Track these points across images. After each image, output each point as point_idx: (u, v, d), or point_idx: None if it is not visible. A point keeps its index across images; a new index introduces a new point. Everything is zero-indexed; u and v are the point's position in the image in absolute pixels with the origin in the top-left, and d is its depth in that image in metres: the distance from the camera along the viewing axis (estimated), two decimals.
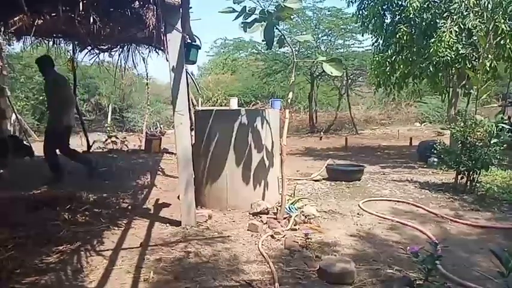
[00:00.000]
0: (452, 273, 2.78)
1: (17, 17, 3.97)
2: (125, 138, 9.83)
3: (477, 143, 5.16)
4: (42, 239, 3.51)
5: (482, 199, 4.98)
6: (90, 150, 8.94)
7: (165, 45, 3.80)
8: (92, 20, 3.66)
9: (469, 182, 5.38)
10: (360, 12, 9.16)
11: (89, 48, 6.46)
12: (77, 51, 6.97)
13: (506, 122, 5.19)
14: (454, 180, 5.62)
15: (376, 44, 9.29)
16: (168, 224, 4.07)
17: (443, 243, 3.23)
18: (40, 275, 2.84)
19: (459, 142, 5.38)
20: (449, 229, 3.97)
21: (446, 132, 8.83)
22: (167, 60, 3.88)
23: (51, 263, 3.08)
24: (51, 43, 6.33)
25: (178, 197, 4.20)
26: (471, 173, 5.31)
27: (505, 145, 5.12)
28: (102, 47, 6.33)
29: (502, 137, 5.01)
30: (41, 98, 16.35)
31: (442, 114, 17.56)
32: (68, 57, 7.99)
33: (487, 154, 5.03)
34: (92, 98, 17.59)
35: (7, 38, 6.02)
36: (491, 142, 5.05)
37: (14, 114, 9.51)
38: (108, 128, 11.52)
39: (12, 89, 12.55)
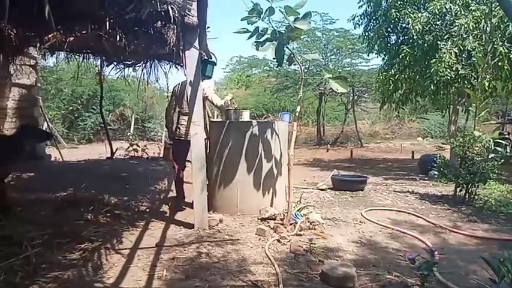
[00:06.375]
0: (448, 281, 2.72)
1: (51, 35, 4.08)
2: (146, 146, 9.96)
3: (475, 158, 5.08)
4: (66, 237, 3.55)
5: (480, 211, 4.88)
6: (114, 157, 9.07)
7: (184, 61, 3.87)
8: (118, 38, 3.75)
9: (467, 195, 5.28)
10: (366, 33, 9.20)
11: (115, 63, 6.58)
12: (104, 65, 7.11)
13: (507, 137, 5.11)
14: (453, 192, 5.53)
15: (381, 63, 9.30)
16: (182, 227, 4.09)
17: (441, 252, 3.19)
18: (63, 270, 2.88)
19: (458, 156, 5.31)
20: (448, 239, 3.90)
21: (447, 147, 8.71)
22: (185, 75, 3.94)
23: (73, 260, 3.12)
24: (81, 58, 6.46)
25: (191, 202, 4.22)
26: (469, 186, 5.22)
27: (502, 160, 5.04)
28: (127, 62, 6.45)
29: (499, 152, 4.93)
30: (71, 108, 16.71)
31: (443, 129, 17.36)
32: (96, 71, 8.17)
33: (485, 168, 4.96)
34: (116, 109, 17.83)
35: (42, 53, 6.19)
36: (489, 157, 4.98)
37: (45, 122, 9.72)
38: (131, 137, 11.69)
39: (44, 99, 12.83)
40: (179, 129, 4.67)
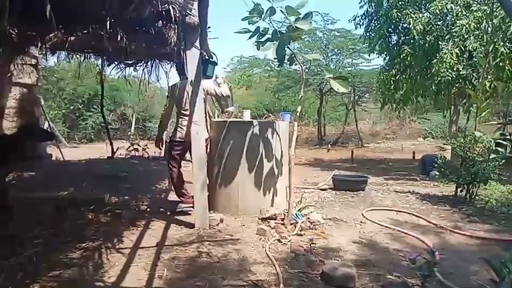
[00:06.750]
0: (449, 281, 2.72)
1: (52, 34, 4.08)
2: (146, 146, 9.97)
3: (476, 158, 5.08)
4: (67, 236, 3.57)
5: (481, 211, 4.87)
6: (114, 156, 9.09)
7: (185, 61, 3.87)
8: (119, 38, 3.75)
9: (468, 195, 5.28)
10: (367, 34, 9.21)
11: (116, 62, 6.58)
12: (105, 65, 7.10)
13: (508, 138, 5.11)
14: (454, 192, 5.53)
15: (382, 63, 9.32)
16: (182, 226, 4.09)
17: (442, 253, 3.18)
18: (64, 269, 2.88)
19: (459, 157, 5.31)
20: (449, 239, 3.89)
21: (448, 147, 8.71)
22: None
23: (74, 259, 3.12)
24: (82, 57, 6.46)
25: (192, 202, 4.22)
26: (470, 186, 5.22)
27: (503, 160, 5.03)
28: (128, 61, 6.45)
29: (500, 153, 4.92)
30: (72, 107, 16.73)
31: (444, 130, 17.36)
32: (97, 70, 8.16)
33: (486, 169, 4.95)
34: (117, 108, 17.89)
35: (43, 52, 6.18)
36: (490, 157, 4.97)
37: (46, 121, 9.73)
38: (132, 136, 11.70)
39: (46, 98, 12.84)
40: (181, 129, 4.64)
